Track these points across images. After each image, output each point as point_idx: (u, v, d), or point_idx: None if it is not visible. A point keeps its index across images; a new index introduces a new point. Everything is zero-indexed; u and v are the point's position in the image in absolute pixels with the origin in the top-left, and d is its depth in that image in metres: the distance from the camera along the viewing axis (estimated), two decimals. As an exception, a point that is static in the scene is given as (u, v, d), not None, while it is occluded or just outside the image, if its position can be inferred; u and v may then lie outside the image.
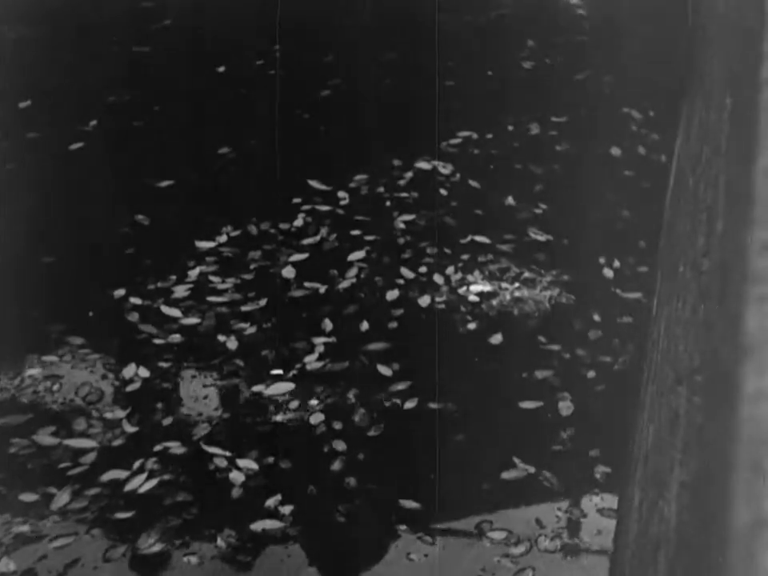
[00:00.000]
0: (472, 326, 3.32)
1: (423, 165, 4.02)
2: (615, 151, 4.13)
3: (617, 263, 3.60)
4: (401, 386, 3.10)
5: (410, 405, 3.03)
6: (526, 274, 3.53)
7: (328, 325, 3.33)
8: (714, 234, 1.81)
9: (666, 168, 3.81)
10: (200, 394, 3.08)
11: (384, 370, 3.16)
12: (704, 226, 1.97)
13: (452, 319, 3.35)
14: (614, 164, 4.06)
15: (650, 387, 2.47)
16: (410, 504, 2.75)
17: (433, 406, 3.03)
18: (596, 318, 3.39)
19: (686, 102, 3.52)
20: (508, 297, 3.44)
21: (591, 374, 3.18)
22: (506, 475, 2.84)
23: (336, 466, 2.85)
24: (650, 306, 3.20)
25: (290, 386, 3.09)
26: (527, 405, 3.05)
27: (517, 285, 3.48)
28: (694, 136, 2.77)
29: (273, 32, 4.71)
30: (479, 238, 3.69)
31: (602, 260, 3.61)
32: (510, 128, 4.21)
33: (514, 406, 3.04)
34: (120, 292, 3.43)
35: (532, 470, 2.85)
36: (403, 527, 2.68)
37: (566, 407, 3.04)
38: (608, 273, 3.56)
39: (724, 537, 1.20)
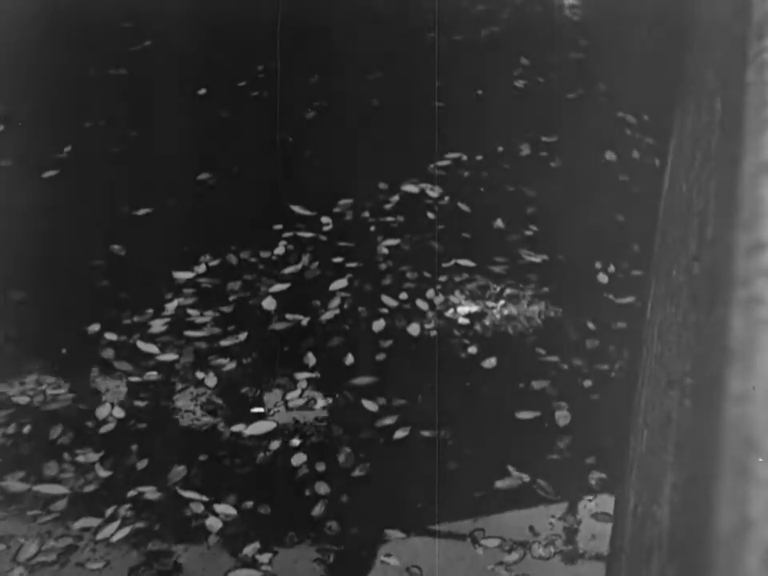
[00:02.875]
0: (473, 349, 3.21)
1: (410, 188, 3.89)
2: (610, 156, 4.02)
3: (612, 268, 3.52)
4: (389, 420, 2.96)
5: (401, 434, 2.92)
6: (508, 291, 3.42)
7: (311, 359, 3.19)
8: (704, 238, 1.83)
9: (661, 172, 3.75)
10: (177, 434, 2.95)
11: (370, 406, 3.02)
12: (696, 230, 1.99)
13: (448, 345, 3.22)
14: (608, 169, 3.97)
15: (645, 391, 2.50)
16: (396, 534, 2.66)
17: (426, 433, 2.92)
18: (590, 326, 3.31)
19: (679, 106, 3.54)
20: (498, 316, 3.33)
21: (588, 383, 3.12)
22: (500, 484, 2.80)
23: (318, 510, 2.73)
24: (644, 311, 3.17)
25: (272, 424, 2.96)
26: (524, 415, 3.00)
27: (502, 302, 3.37)
28: (687, 140, 2.82)
29: (254, 53, 4.63)
30: (468, 263, 3.56)
31: (597, 265, 3.53)
32: (501, 149, 4.09)
33: (511, 417, 3.00)
34: (94, 327, 3.30)
35: (527, 478, 2.81)
36: (391, 560, 2.60)
37: (563, 417, 3.01)
38: (603, 278, 3.49)
39: (710, 538, 1.21)
